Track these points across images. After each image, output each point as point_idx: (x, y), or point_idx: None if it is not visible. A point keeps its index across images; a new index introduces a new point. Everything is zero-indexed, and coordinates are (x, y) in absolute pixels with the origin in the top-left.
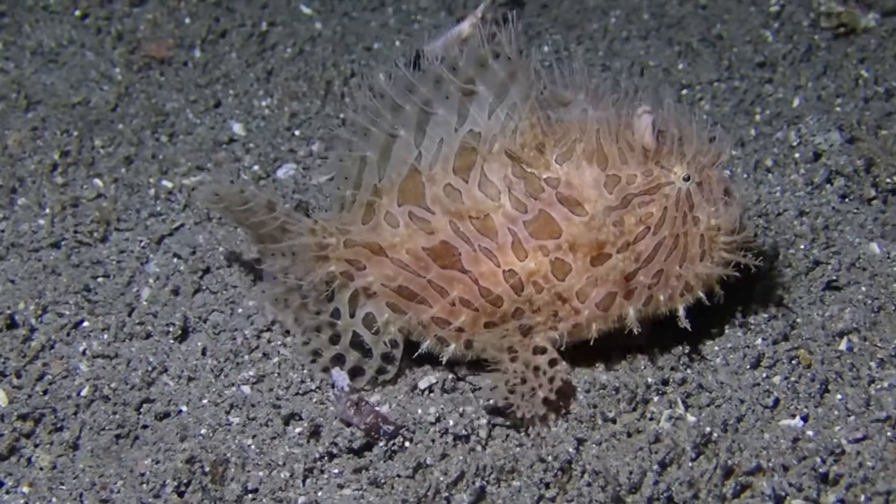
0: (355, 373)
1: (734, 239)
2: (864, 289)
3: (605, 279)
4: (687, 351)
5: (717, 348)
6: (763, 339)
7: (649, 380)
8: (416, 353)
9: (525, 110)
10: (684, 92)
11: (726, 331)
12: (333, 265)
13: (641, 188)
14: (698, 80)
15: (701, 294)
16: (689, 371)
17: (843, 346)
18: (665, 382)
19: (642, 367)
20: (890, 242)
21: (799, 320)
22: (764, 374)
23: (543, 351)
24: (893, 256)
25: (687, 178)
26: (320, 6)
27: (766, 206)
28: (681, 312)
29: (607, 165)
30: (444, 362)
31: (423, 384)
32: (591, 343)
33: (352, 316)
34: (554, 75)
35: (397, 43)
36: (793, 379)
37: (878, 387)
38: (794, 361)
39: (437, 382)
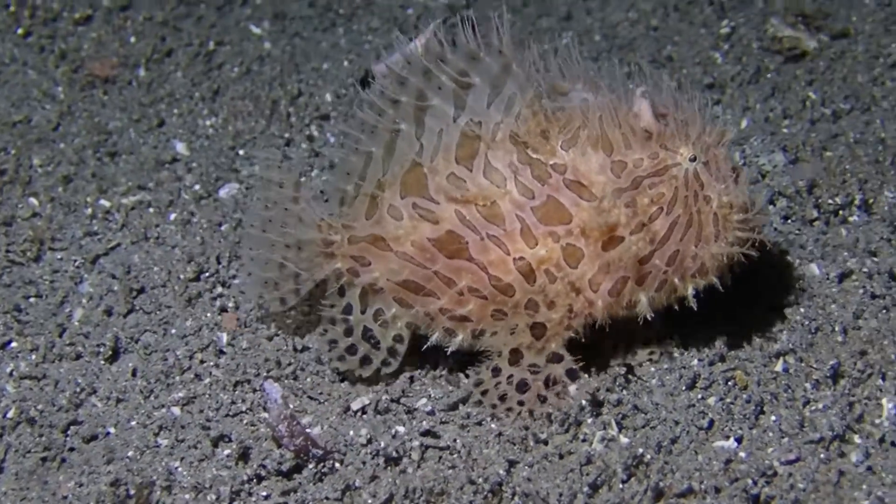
0: (364, 361)
1: (747, 216)
2: (802, 310)
3: (619, 263)
4: (623, 372)
5: (653, 369)
6: (699, 361)
7: (583, 401)
8: (425, 346)
9: (526, 99)
10: None
11: (663, 351)
12: (339, 262)
13: (649, 171)
14: None
15: (714, 279)
16: (624, 392)
17: (779, 367)
18: (600, 404)
19: (576, 388)
20: (829, 264)
21: (737, 341)
22: (699, 396)
23: (560, 359)
24: (832, 278)
25: (693, 159)
26: (270, 27)
27: None
28: (690, 292)
29: (612, 151)
30: (449, 353)
31: (355, 405)
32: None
33: (363, 312)
34: (550, 65)
35: (346, 63)
36: (728, 400)
37: (813, 408)
38: (730, 383)
39: (370, 403)
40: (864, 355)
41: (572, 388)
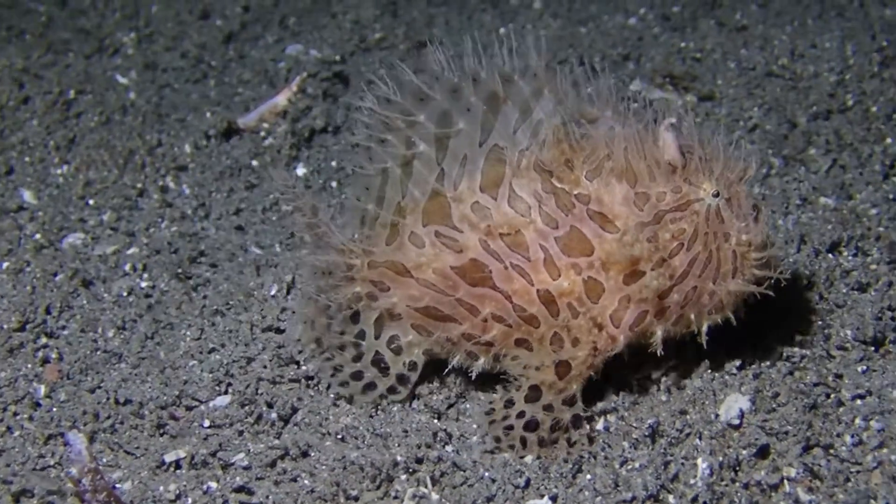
0: (368, 388)
1: (765, 255)
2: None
3: (640, 297)
4: (444, 427)
5: (475, 426)
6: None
7: (398, 457)
8: (447, 370)
9: (552, 126)
10: None
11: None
12: (359, 286)
13: (671, 205)
14: None
15: (730, 314)
16: (446, 448)
17: (600, 425)
18: (419, 461)
19: (396, 445)
20: None
21: None
22: (517, 454)
23: (573, 403)
24: None
25: (716, 195)
26: (139, 77)
27: None
28: (704, 329)
29: (636, 183)
30: (473, 377)
31: (168, 458)
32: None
33: (376, 338)
34: (581, 92)
35: (208, 115)
36: (547, 459)
37: (629, 467)
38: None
39: (185, 457)
40: (684, 415)
41: (574, 436)
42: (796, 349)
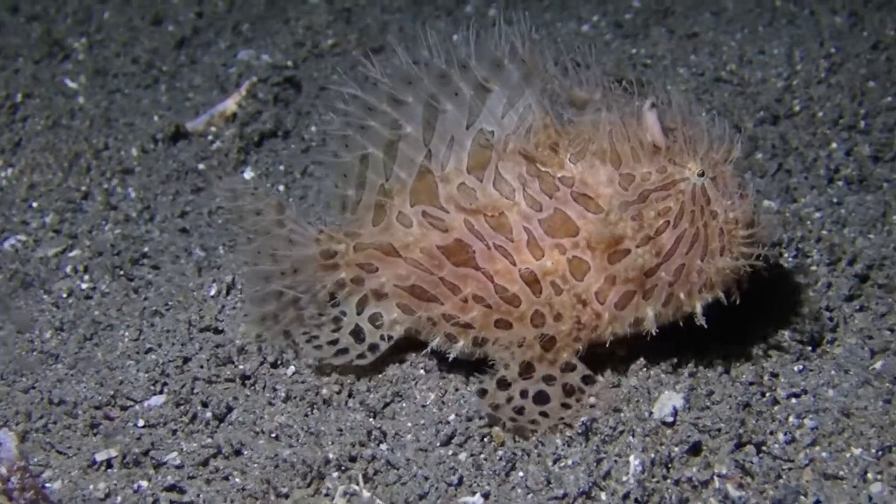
0: (341, 352)
1: (752, 232)
2: None
3: (625, 276)
4: (379, 426)
5: (410, 424)
6: (457, 415)
7: (330, 455)
8: (426, 351)
9: (539, 111)
10: None
11: (422, 407)
12: (343, 272)
13: (657, 185)
14: None
15: (720, 293)
16: (380, 447)
17: None
18: (352, 459)
19: (329, 443)
20: None
21: None
22: (451, 452)
23: (573, 368)
24: None
25: (701, 174)
26: (88, 82)
27: None
28: (698, 310)
29: (621, 164)
30: (450, 359)
31: (100, 457)
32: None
33: (358, 314)
34: (569, 76)
35: (155, 118)
36: (482, 456)
37: (562, 465)
38: (485, 439)
39: (117, 456)
40: (619, 412)
41: (591, 397)
42: (734, 348)
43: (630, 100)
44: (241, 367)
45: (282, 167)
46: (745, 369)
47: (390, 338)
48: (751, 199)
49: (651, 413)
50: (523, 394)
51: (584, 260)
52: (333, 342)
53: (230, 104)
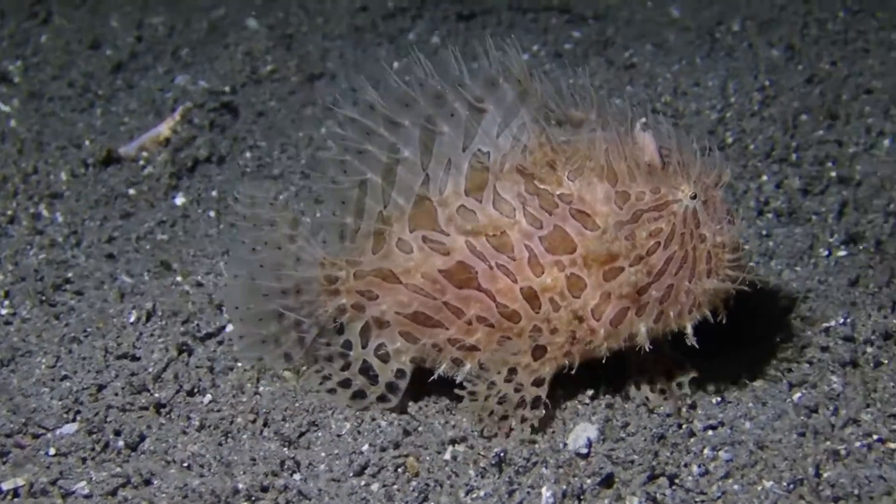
0: (357, 396)
1: (738, 256)
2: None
3: (619, 293)
4: (293, 455)
5: (324, 454)
6: (371, 446)
7: (240, 485)
8: (432, 378)
9: (534, 129)
10: None
11: (338, 437)
12: (344, 298)
13: (650, 205)
14: None
15: (707, 313)
16: (294, 477)
17: (448, 455)
18: (264, 489)
19: (241, 473)
20: None
21: (419, 428)
22: (363, 482)
23: (540, 384)
24: None
25: (693, 197)
26: (22, 105)
27: None
28: (689, 330)
29: (617, 182)
30: (458, 381)
31: (7, 486)
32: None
33: (363, 347)
34: (565, 95)
35: (87, 143)
36: (394, 487)
37: (474, 496)
38: (400, 469)
39: (24, 485)
40: (533, 444)
41: (528, 415)
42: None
43: (624, 120)
44: (156, 395)
45: (214, 193)
46: (664, 401)
47: (402, 372)
48: (739, 224)
49: (565, 444)
50: (498, 394)
51: (581, 277)
52: (345, 384)
53: (163, 129)
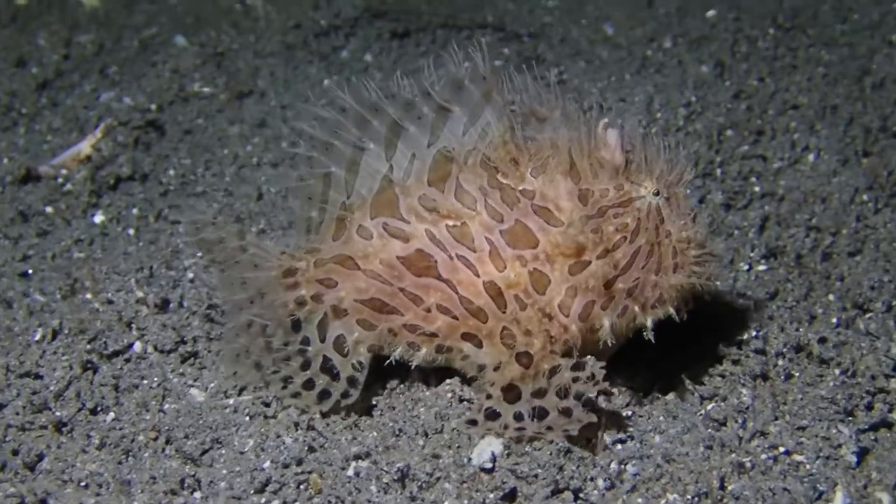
0: (323, 396)
1: (704, 251)
2: (389, 413)
3: (586, 287)
4: (194, 473)
5: (225, 471)
6: (273, 462)
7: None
8: (387, 362)
9: (499, 128)
10: None
11: (240, 454)
12: (304, 289)
13: (614, 201)
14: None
15: (671, 310)
16: (194, 495)
17: (352, 471)
18: None
19: (139, 492)
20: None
21: (325, 444)
22: (264, 500)
23: (557, 370)
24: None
25: (657, 193)
26: None
27: None
28: (649, 324)
29: (580, 180)
30: (412, 367)
31: None
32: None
33: (322, 341)
34: (531, 94)
35: (5, 161)
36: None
37: None
38: (302, 486)
39: None
40: (437, 458)
41: (586, 373)
42: None
43: (588, 118)
44: (57, 413)
45: (135, 211)
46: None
47: (361, 364)
48: (702, 220)
49: (470, 459)
50: (518, 417)
51: (544, 273)
52: (309, 384)
53: (84, 147)
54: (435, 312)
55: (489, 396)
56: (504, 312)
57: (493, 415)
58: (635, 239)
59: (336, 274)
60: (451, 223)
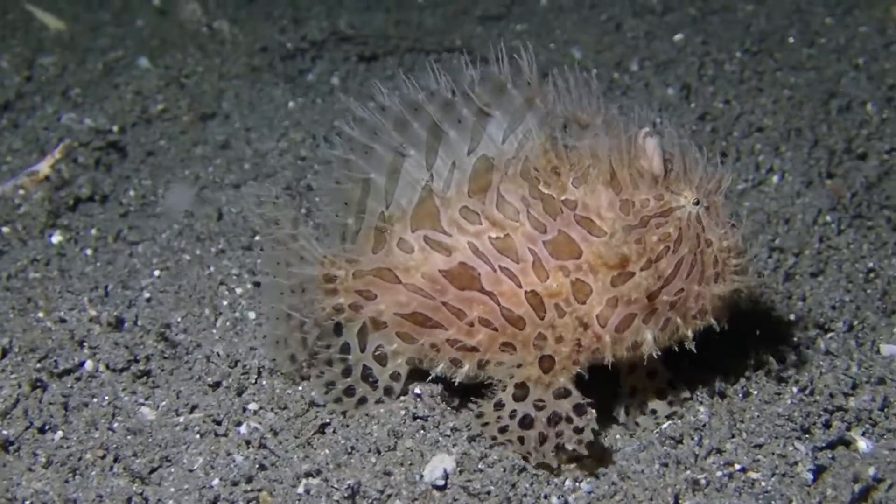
0: (361, 402)
1: (742, 261)
2: (342, 430)
3: (628, 299)
4: (141, 492)
5: (173, 490)
6: (222, 480)
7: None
8: (429, 378)
9: (540, 136)
10: (257, 238)
11: (189, 472)
12: (342, 297)
13: (655, 211)
14: None
15: (712, 320)
16: None
17: (302, 488)
18: None
19: None
20: None
21: (276, 462)
22: None
23: (568, 394)
24: None
25: (696, 202)
26: None
27: None
28: (690, 335)
29: (621, 190)
30: (456, 384)
31: None
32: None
33: (362, 350)
34: (574, 99)
35: None
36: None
37: None
38: (252, 503)
39: None
40: (389, 476)
41: (580, 423)
42: None
43: (628, 125)
44: (3, 432)
45: (93, 231)
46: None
47: (398, 375)
48: (741, 229)
49: (422, 476)
50: (512, 414)
51: (586, 283)
52: (349, 391)
53: (43, 167)
54: (477, 326)
55: (504, 388)
56: (542, 319)
57: (498, 406)
58: (678, 249)
59: (375, 286)
60: (493, 235)
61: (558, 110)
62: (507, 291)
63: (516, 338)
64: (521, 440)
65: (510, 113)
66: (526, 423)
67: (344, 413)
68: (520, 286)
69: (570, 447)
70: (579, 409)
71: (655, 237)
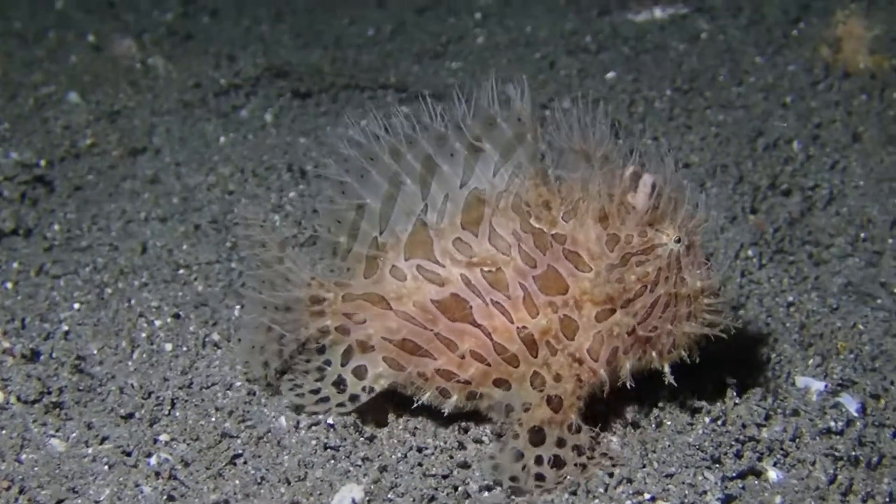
0: (322, 400)
1: (717, 301)
2: (252, 461)
3: (612, 334)
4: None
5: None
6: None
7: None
8: (415, 405)
9: (531, 170)
10: (181, 272)
11: (124, 490)
12: (329, 319)
13: (637, 248)
14: (196, 261)
15: (684, 354)
16: None
17: None
18: None
19: None
20: (299, 416)
21: (186, 493)
22: None
23: (580, 429)
24: (299, 427)
25: (678, 241)
26: None
27: None
28: (667, 370)
29: (608, 225)
30: (445, 414)
31: None
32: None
33: (342, 365)
34: (578, 131)
35: None
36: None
37: None
38: None
39: None
40: None
41: (614, 445)
42: (429, 440)
43: (623, 159)
44: None
45: (15, 265)
46: (438, 462)
47: (372, 389)
48: (716, 269)
49: None
50: (538, 460)
51: (572, 318)
52: (315, 391)
53: None
54: (469, 359)
55: (516, 436)
56: (535, 357)
57: (518, 455)
58: (655, 289)
59: (365, 311)
60: (486, 269)
61: (559, 140)
62: (499, 327)
63: (511, 375)
64: (562, 479)
65: (500, 147)
66: (559, 463)
67: (301, 409)
68: (511, 322)
69: (596, 471)
70: (592, 441)
71: (634, 276)
